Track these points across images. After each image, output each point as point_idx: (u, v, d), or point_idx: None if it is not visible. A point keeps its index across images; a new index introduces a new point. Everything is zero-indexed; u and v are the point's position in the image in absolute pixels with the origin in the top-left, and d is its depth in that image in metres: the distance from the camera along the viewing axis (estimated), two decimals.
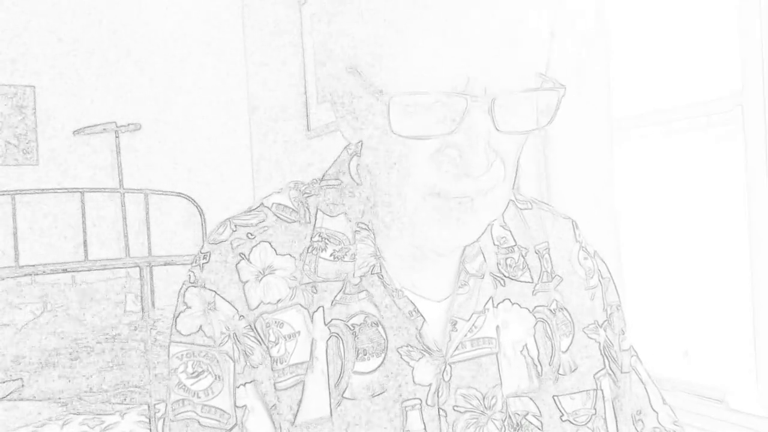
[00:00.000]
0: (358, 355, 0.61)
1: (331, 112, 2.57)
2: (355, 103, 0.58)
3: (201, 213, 2.97)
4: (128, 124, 2.84)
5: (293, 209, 0.66)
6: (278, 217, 0.65)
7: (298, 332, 0.61)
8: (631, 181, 1.60)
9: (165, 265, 2.31)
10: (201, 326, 0.61)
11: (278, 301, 0.61)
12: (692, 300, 1.47)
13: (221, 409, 0.60)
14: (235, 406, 0.60)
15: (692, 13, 1.45)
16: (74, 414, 2.08)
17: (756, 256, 1.30)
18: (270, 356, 0.60)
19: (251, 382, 0.61)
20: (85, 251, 2.61)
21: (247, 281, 0.61)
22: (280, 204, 0.66)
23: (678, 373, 1.47)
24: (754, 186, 1.29)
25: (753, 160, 1.29)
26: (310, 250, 0.63)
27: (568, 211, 0.78)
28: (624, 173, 1.61)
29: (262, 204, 0.67)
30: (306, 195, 0.67)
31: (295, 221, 0.65)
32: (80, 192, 2.68)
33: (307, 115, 2.76)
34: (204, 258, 0.63)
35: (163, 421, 0.64)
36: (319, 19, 2.63)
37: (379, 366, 0.61)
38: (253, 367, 0.60)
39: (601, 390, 0.68)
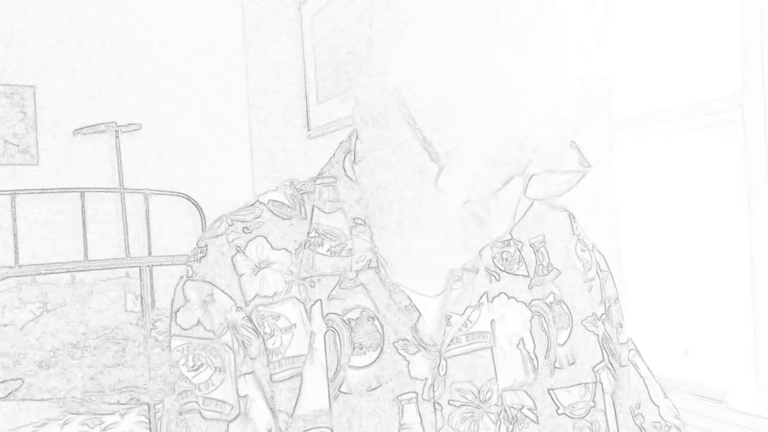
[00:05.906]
0: (354, 350, 0.61)
1: (331, 113, 2.57)
2: (391, 127, 0.56)
3: (201, 213, 2.97)
4: (128, 124, 2.84)
5: (289, 206, 0.66)
6: (273, 213, 0.65)
7: (294, 325, 0.61)
8: (632, 180, 1.60)
9: (165, 265, 2.31)
10: (200, 319, 0.62)
11: (274, 294, 0.61)
12: (692, 299, 1.47)
13: (222, 401, 0.61)
14: (238, 396, 0.61)
15: (692, 13, 1.45)
16: (74, 414, 2.08)
17: (756, 255, 1.30)
18: (266, 348, 0.60)
19: (251, 372, 0.61)
20: (85, 251, 2.61)
21: (243, 274, 0.61)
22: (275, 201, 0.66)
23: (678, 372, 1.47)
24: (754, 186, 1.29)
25: (753, 160, 1.29)
26: (307, 246, 0.63)
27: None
28: (624, 173, 1.61)
29: (257, 201, 0.67)
30: (302, 192, 0.67)
31: (290, 217, 0.65)
32: (80, 192, 2.68)
33: (307, 115, 2.76)
34: (201, 252, 0.63)
35: (162, 420, 0.64)
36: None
37: (375, 360, 0.61)
38: (252, 359, 0.61)
39: (601, 383, 0.68)
